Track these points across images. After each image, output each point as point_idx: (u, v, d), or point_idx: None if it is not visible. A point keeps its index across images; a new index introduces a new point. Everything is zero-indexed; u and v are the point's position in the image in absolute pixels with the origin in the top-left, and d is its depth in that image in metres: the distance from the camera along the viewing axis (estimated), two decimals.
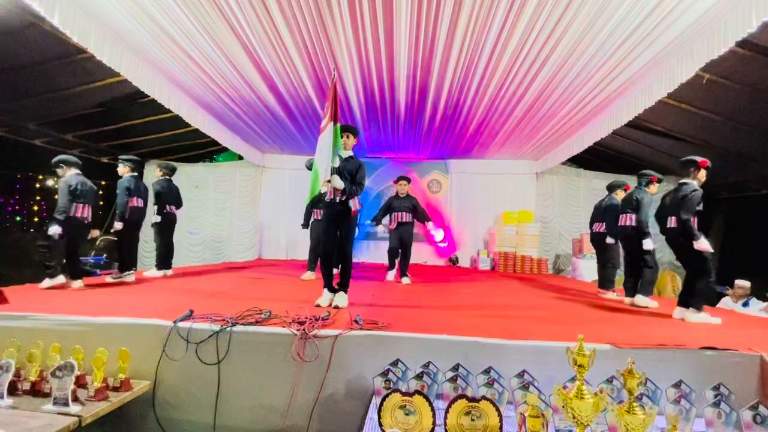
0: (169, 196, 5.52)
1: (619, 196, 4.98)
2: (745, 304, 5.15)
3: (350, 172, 3.55)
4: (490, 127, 7.22)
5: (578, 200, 9.06)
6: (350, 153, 3.64)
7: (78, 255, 4.19)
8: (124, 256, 4.81)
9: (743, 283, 5.30)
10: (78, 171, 4.22)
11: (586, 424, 1.62)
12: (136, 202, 4.90)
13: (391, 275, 5.88)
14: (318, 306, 3.37)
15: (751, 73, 4.61)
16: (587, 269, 7.47)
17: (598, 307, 4.21)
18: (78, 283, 4.05)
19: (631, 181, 4.99)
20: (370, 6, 3.90)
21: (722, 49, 3.62)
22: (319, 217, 5.52)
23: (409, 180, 6.02)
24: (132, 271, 4.78)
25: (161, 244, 5.55)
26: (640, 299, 4.26)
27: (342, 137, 3.51)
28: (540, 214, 9.23)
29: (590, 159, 8.76)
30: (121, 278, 4.65)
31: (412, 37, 4.40)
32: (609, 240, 4.96)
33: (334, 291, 3.53)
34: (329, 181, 3.39)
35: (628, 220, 4.47)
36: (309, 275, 5.61)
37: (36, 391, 2.18)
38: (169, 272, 5.56)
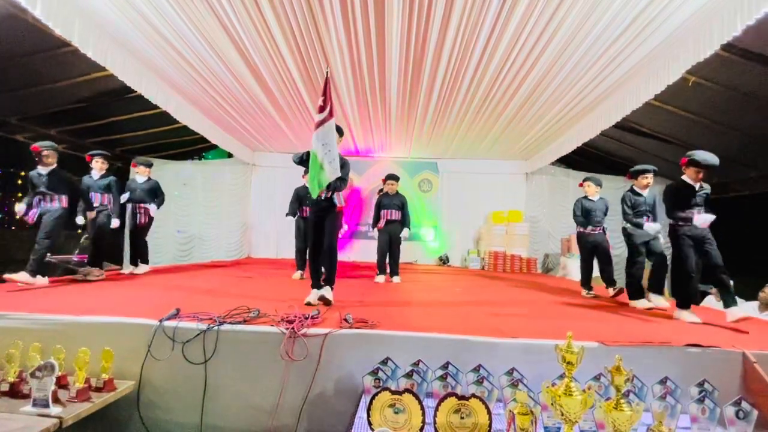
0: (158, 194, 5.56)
1: (590, 193, 5.30)
2: None
3: None
4: (480, 128, 7.24)
5: (567, 200, 9.13)
6: None
7: (43, 246, 3.94)
8: (95, 254, 4.71)
9: None
10: (44, 163, 4.10)
11: (575, 421, 1.63)
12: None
13: (381, 278, 5.65)
14: (308, 304, 3.34)
15: (732, 76, 4.70)
16: (576, 268, 7.54)
17: (586, 305, 4.26)
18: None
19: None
20: (361, 2, 3.88)
21: (708, 52, 3.68)
22: (305, 215, 5.47)
23: (397, 178, 5.94)
24: (97, 269, 4.56)
25: (144, 242, 5.54)
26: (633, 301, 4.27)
27: None
28: (529, 213, 9.30)
29: (579, 160, 8.86)
30: (86, 275, 4.44)
31: (403, 35, 4.39)
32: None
33: (320, 288, 3.52)
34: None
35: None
36: (298, 275, 5.57)
37: (15, 392, 2.11)
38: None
